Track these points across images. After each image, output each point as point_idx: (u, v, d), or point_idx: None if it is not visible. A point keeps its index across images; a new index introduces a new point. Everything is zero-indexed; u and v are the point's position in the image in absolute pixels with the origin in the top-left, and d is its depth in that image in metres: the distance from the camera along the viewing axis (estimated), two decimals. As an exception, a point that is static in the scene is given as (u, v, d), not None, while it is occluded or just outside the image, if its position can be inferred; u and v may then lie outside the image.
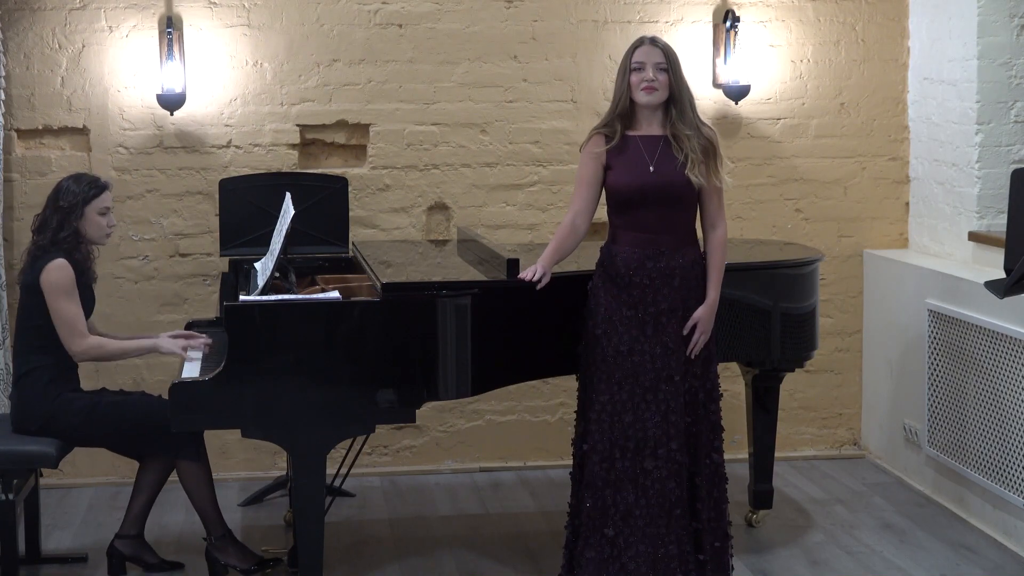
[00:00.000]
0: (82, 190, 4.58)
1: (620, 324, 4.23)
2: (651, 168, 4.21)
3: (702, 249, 4.35)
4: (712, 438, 4.33)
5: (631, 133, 4.27)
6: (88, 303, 4.63)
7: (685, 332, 4.25)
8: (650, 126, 4.27)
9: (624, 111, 4.26)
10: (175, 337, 4.68)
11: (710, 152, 4.24)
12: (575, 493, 4.39)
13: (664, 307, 4.23)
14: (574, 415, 4.45)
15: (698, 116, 4.29)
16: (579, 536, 4.32)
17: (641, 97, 4.22)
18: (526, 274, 4.27)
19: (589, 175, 4.30)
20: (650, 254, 4.23)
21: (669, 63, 4.23)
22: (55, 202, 4.57)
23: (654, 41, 4.26)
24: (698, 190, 4.24)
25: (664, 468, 4.20)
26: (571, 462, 4.47)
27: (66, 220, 4.55)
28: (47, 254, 4.53)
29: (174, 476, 4.69)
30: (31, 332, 4.56)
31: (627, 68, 4.24)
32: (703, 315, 4.27)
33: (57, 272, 4.49)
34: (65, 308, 4.49)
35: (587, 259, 4.47)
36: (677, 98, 4.24)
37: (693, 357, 4.27)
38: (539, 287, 4.25)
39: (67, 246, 4.55)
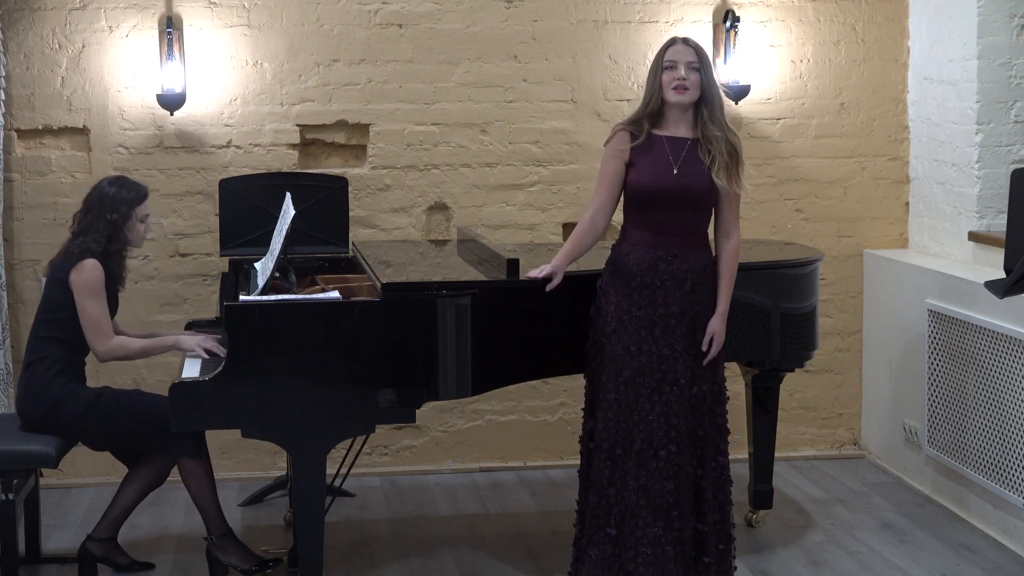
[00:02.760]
0: (130, 198, 4.62)
1: (630, 323, 4.22)
2: (675, 170, 4.19)
3: (713, 253, 4.34)
4: (718, 441, 4.32)
5: (657, 133, 4.25)
6: (112, 308, 4.67)
7: (704, 347, 4.24)
8: (677, 127, 4.25)
9: (654, 110, 4.24)
10: (192, 335, 4.73)
11: (734, 157, 4.23)
12: (583, 491, 4.39)
13: (674, 310, 4.22)
14: (574, 415, 4.47)
15: (726, 119, 4.27)
16: (584, 532, 4.32)
17: (672, 96, 4.20)
18: (536, 272, 4.26)
19: (611, 173, 4.29)
20: (663, 256, 4.22)
21: (701, 63, 4.21)
22: (102, 211, 4.59)
23: (686, 41, 4.25)
24: (721, 192, 4.23)
25: (664, 470, 4.20)
26: (572, 461, 4.47)
27: (117, 231, 4.60)
28: (83, 254, 4.56)
29: (173, 476, 4.69)
30: (51, 323, 4.59)
31: (659, 67, 4.23)
32: (718, 327, 4.27)
33: (89, 272, 4.53)
34: (92, 308, 4.52)
35: (587, 259, 4.47)
36: (708, 99, 4.22)
37: (704, 363, 4.26)
38: (549, 287, 4.24)
39: (116, 257, 4.63)
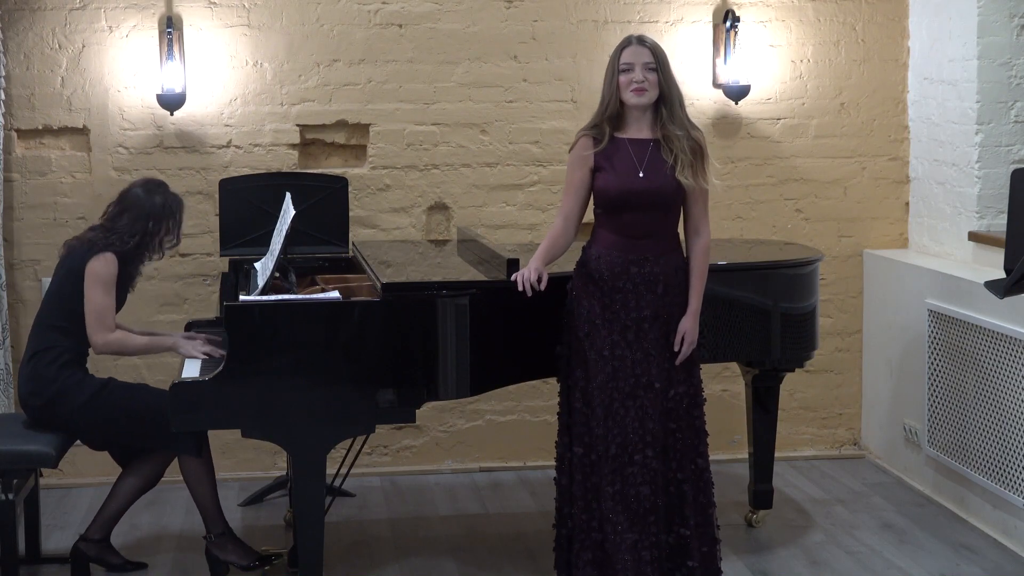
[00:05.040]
0: (177, 218, 4.69)
1: (602, 327, 4.17)
2: (640, 174, 4.14)
3: (685, 253, 4.29)
4: (697, 443, 4.24)
5: (620, 136, 4.20)
6: (117, 307, 4.66)
7: (676, 347, 4.18)
8: (639, 129, 4.19)
9: (613, 113, 4.18)
10: (191, 338, 4.73)
11: (698, 154, 4.17)
12: (559, 496, 4.34)
13: (647, 314, 4.16)
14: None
15: (687, 116, 4.21)
16: (574, 538, 4.28)
17: (631, 98, 4.14)
18: (522, 276, 4.11)
19: (577, 180, 4.24)
20: (634, 259, 4.16)
21: (658, 62, 4.15)
22: (143, 218, 4.61)
23: (642, 40, 4.18)
24: (688, 191, 4.18)
25: (640, 475, 4.14)
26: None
27: (148, 241, 4.64)
28: (106, 248, 4.57)
29: (173, 475, 4.69)
30: (62, 313, 4.58)
31: (615, 69, 4.16)
32: (689, 326, 4.20)
33: (104, 263, 4.54)
34: (99, 298, 4.53)
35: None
36: (667, 98, 4.16)
37: (677, 364, 4.20)
38: (542, 287, 4.18)
39: (135, 261, 4.67)
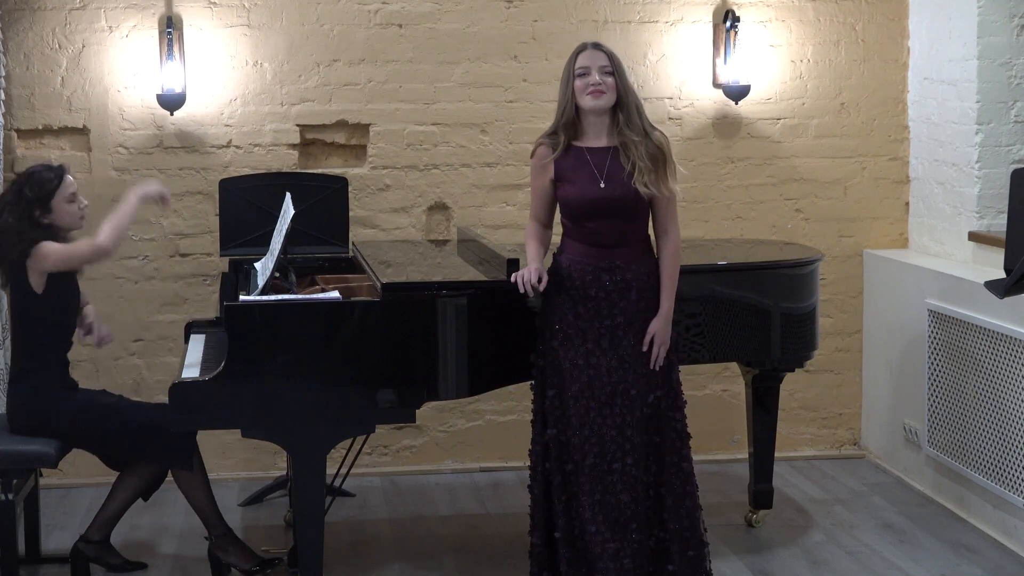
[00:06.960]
0: (49, 177, 4.49)
1: (576, 336, 4.14)
2: (601, 183, 4.10)
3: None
4: (680, 446, 4.19)
5: (578, 144, 4.15)
6: (73, 294, 4.57)
7: (645, 348, 4.13)
8: (598, 136, 4.15)
9: (570, 120, 4.13)
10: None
11: (659, 160, 4.11)
12: (532, 505, 4.28)
13: (620, 320, 4.13)
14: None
15: (647, 121, 4.15)
16: (562, 551, 4.20)
17: (587, 102, 4.09)
18: (521, 277, 4.06)
19: (539, 187, 4.22)
20: (605, 267, 4.13)
21: (614, 67, 4.10)
22: (18, 210, 4.44)
23: (597, 45, 4.15)
24: (649, 199, 4.13)
25: (619, 483, 4.11)
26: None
27: (42, 215, 4.46)
28: (33, 241, 4.42)
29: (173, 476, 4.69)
30: (22, 325, 4.51)
31: (571, 74, 4.11)
32: (659, 327, 4.15)
33: (41, 251, 4.41)
34: (60, 251, 4.40)
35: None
36: (624, 103, 4.11)
37: (657, 369, 4.16)
38: (542, 288, 4.11)
39: (42, 227, 4.47)
